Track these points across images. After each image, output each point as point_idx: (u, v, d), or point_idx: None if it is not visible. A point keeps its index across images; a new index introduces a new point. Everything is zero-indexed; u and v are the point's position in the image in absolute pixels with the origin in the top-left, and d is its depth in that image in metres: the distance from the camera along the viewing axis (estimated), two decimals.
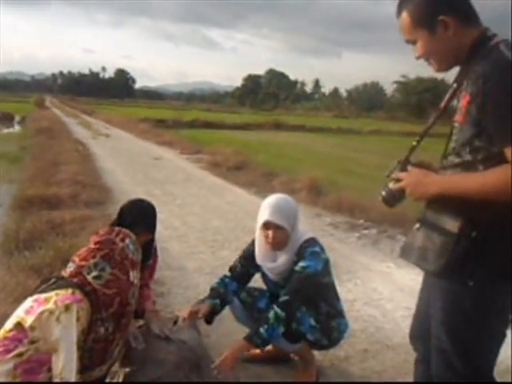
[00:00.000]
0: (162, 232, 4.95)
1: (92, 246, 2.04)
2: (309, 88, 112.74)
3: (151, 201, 2.82)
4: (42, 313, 1.82)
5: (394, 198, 1.74)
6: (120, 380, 2.23)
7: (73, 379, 1.79)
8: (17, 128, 21.22)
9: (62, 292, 1.88)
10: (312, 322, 2.50)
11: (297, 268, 2.45)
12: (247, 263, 2.72)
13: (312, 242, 2.54)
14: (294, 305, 2.38)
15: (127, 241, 2.07)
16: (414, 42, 1.64)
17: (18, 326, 1.86)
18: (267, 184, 8.26)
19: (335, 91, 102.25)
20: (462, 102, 1.51)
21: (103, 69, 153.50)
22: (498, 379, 1.81)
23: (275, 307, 2.35)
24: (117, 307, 1.95)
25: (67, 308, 1.81)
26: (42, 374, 1.85)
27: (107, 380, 2.28)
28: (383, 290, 3.94)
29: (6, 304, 2.90)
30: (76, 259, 2.05)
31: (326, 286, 2.60)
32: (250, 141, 17.83)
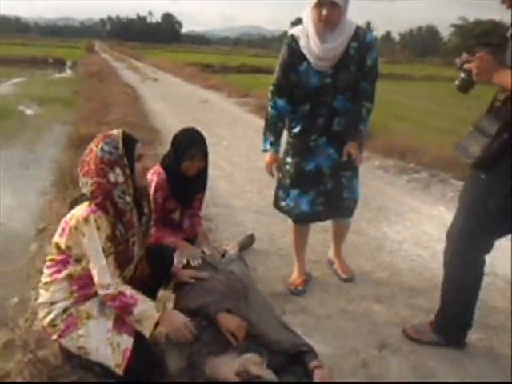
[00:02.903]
0: (210, 172, 4.96)
1: (81, 162, 2.03)
2: None
3: None
4: (70, 231, 1.93)
5: (467, 83, 2.04)
6: (170, 305, 2.33)
7: (110, 282, 1.90)
8: (68, 72, 21.57)
9: (79, 208, 1.97)
10: (353, 182, 2.81)
11: (370, 62, 2.54)
12: (287, 69, 2.60)
13: (362, 28, 2.58)
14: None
15: (101, 144, 1.97)
16: None
17: (60, 249, 1.99)
18: None
19: (388, 35, 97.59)
20: None
21: (150, 13, 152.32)
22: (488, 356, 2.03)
23: (365, 103, 2.61)
24: (112, 210, 1.95)
25: (86, 220, 1.89)
26: (95, 288, 1.97)
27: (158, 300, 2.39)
28: (433, 232, 3.86)
29: None
30: None
31: None
32: None
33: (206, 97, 12.45)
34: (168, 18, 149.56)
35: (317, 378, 2.01)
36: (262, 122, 9.31)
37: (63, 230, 1.98)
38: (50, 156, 5.96)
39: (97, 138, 2.02)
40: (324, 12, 2.35)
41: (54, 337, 2.00)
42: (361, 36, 2.50)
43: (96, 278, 1.92)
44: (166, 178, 2.75)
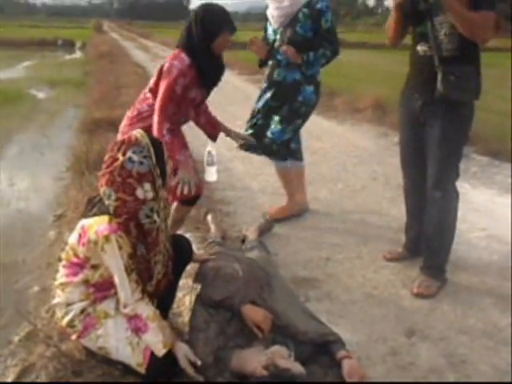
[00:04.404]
0: (225, 153, 4.92)
1: (103, 168, 1.86)
2: (371, 3, 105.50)
3: None
4: (88, 243, 1.83)
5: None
6: (193, 296, 2.28)
7: (129, 301, 1.84)
8: (78, 54, 21.42)
9: (100, 220, 1.83)
10: (278, 127, 3.25)
11: (325, 25, 3.08)
12: (265, 25, 3.40)
13: None
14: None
15: (129, 153, 1.78)
16: None
17: (76, 254, 1.90)
18: (329, 104, 7.95)
19: None
20: None
21: None
22: (498, 379, 2.02)
23: (325, 46, 3.11)
24: (135, 231, 1.81)
25: (107, 239, 1.77)
26: (113, 290, 1.91)
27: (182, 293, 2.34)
28: None
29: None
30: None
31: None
32: None
33: None
34: None
35: (345, 368, 1.95)
36: None
37: (81, 236, 1.87)
38: (63, 140, 5.93)
39: (120, 144, 1.82)
40: None
41: (74, 337, 1.97)
42: (312, 3, 3.04)
43: (118, 293, 1.87)
44: (190, 63, 2.53)
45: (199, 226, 3.33)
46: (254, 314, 2.00)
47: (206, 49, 2.54)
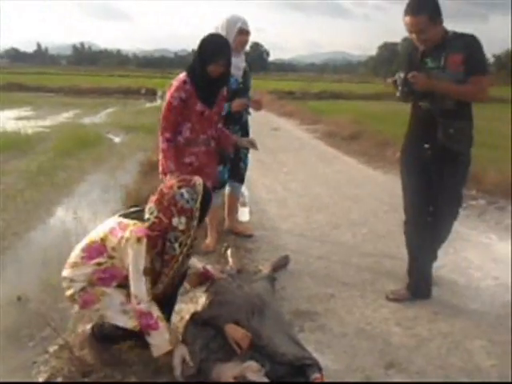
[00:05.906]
0: (263, 196, 5.28)
1: (159, 190, 2.26)
2: None
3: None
4: (121, 238, 2.19)
5: (408, 91, 2.80)
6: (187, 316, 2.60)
7: (145, 298, 2.16)
8: (159, 102, 22.86)
9: (139, 224, 2.21)
10: (248, 157, 4.05)
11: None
12: None
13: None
14: None
15: (183, 189, 2.19)
16: None
17: (102, 240, 2.26)
18: (379, 154, 8.14)
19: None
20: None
21: None
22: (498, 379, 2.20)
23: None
24: (160, 247, 2.19)
25: (138, 240, 2.13)
26: (111, 287, 2.28)
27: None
28: (474, 259, 3.83)
29: None
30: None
31: None
32: (377, 111, 17.25)
33: (279, 124, 12.82)
34: (256, 47, 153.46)
35: None
36: (327, 149, 9.45)
37: (115, 229, 2.23)
38: (125, 180, 6.49)
39: (180, 179, 2.25)
40: (246, 38, 3.63)
41: (77, 308, 2.35)
42: (247, 58, 3.82)
43: (133, 289, 2.18)
44: (189, 80, 3.06)
45: (221, 259, 3.66)
46: (235, 332, 2.27)
47: (202, 71, 3.02)
